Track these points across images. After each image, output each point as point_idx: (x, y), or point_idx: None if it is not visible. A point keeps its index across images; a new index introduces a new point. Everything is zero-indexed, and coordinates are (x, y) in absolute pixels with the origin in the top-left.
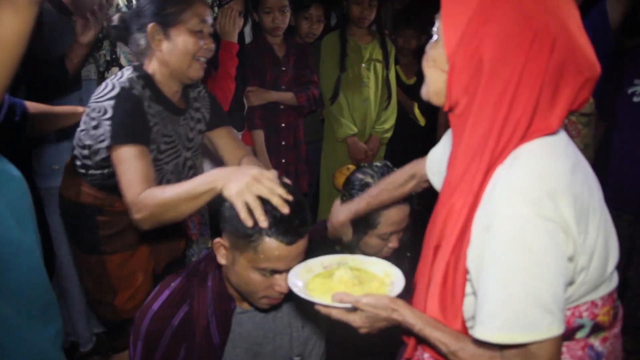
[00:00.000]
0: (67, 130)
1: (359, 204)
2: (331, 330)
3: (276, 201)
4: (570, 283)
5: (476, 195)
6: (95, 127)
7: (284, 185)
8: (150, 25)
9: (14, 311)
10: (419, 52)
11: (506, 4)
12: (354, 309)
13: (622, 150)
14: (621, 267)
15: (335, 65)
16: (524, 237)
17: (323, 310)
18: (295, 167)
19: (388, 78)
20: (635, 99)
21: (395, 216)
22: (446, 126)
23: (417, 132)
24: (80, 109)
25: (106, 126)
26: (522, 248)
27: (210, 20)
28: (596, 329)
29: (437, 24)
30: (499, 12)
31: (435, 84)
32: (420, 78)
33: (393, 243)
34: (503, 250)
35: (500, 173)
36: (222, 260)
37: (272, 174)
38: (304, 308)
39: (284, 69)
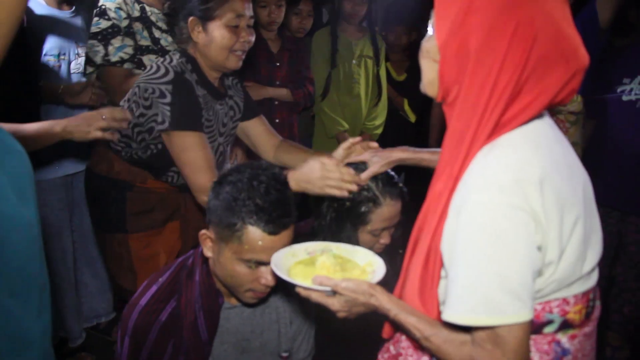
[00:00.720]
0: None
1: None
2: (320, 322)
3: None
4: (540, 274)
5: (455, 179)
6: (148, 107)
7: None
8: (190, 19)
9: (8, 292)
10: (410, 49)
11: None
12: (334, 293)
13: (611, 148)
14: (608, 264)
15: (325, 61)
16: (493, 223)
17: (303, 292)
18: None
19: (378, 75)
20: (625, 98)
21: (387, 212)
22: (438, 127)
23: (407, 129)
24: (57, 127)
25: (164, 109)
26: (491, 234)
27: (248, 13)
28: (565, 325)
29: (432, 16)
30: (485, 2)
31: (428, 74)
32: (410, 74)
33: (385, 239)
34: (472, 235)
35: (478, 159)
36: (208, 252)
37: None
38: (292, 303)
39: (278, 64)
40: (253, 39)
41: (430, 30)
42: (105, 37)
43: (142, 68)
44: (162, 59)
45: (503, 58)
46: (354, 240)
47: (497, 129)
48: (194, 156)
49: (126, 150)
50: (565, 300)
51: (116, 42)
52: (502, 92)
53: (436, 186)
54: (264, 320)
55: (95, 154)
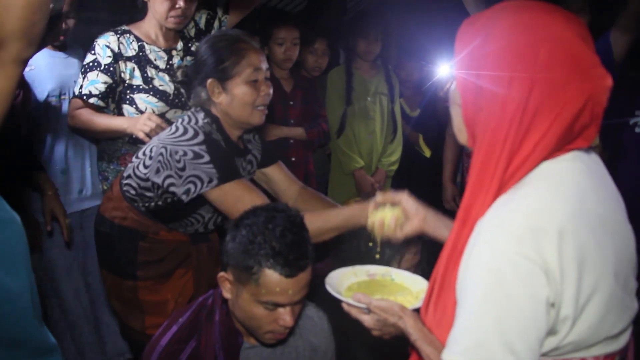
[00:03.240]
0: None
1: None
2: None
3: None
4: (554, 332)
5: (475, 219)
6: (182, 169)
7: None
8: (209, 81)
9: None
10: (422, 85)
11: (504, 20)
12: (370, 311)
13: (626, 180)
14: None
15: (341, 98)
16: (499, 271)
17: (346, 308)
18: None
19: (393, 111)
20: (638, 130)
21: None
22: (453, 162)
23: (422, 164)
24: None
25: (206, 168)
26: (495, 281)
27: (265, 66)
28: None
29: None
30: (498, 30)
31: (456, 120)
32: (423, 110)
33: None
34: (478, 279)
35: (500, 200)
36: (227, 294)
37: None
38: (311, 342)
39: (291, 103)
40: (272, 91)
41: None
42: (85, 70)
43: (134, 106)
44: (186, 120)
45: (508, 84)
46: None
47: (514, 164)
48: (250, 200)
49: (143, 202)
50: None
51: (91, 75)
52: (511, 121)
53: (460, 223)
54: None
55: (109, 200)
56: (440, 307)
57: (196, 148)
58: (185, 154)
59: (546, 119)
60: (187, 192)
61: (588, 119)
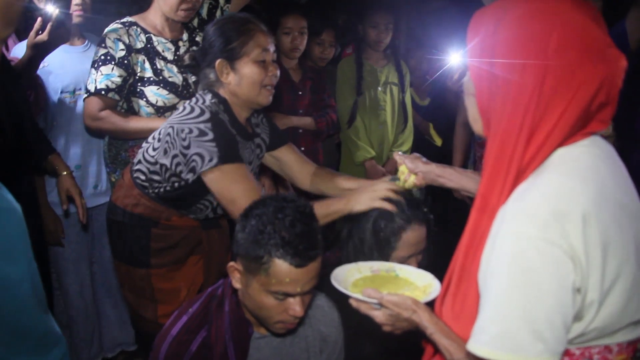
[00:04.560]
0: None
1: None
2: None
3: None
4: (579, 318)
5: (495, 206)
6: (187, 147)
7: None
8: (217, 62)
9: (4, 346)
10: (432, 74)
11: (516, 9)
12: (381, 307)
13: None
14: None
15: (351, 89)
16: (525, 258)
17: (354, 304)
18: None
19: (404, 101)
20: None
21: (413, 238)
22: (462, 149)
23: (433, 153)
24: None
25: (209, 146)
26: (521, 268)
27: (272, 48)
28: None
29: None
30: (509, 18)
31: (471, 110)
32: (433, 99)
33: (412, 265)
34: (502, 266)
35: (521, 187)
36: (237, 284)
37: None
38: (321, 331)
39: (300, 93)
40: (279, 72)
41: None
42: (98, 64)
43: (144, 99)
44: (194, 100)
45: (522, 71)
46: None
47: (531, 150)
48: (245, 187)
49: (153, 187)
50: (607, 348)
51: (105, 69)
52: (527, 107)
53: (479, 211)
54: (293, 350)
55: (120, 188)
56: (459, 298)
57: (202, 125)
58: (190, 131)
59: (561, 103)
60: (193, 170)
61: (604, 100)
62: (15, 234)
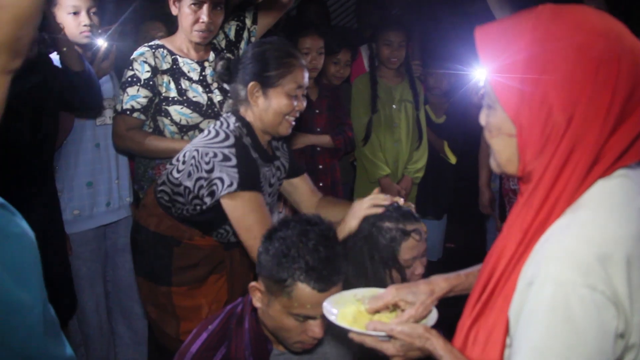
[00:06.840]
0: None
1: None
2: None
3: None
4: None
5: (527, 245)
6: (210, 171)
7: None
8: (251, 83)
9: None
10: (449, 91)
11: (559, 41)
12: (388, 338)
13: None
14: None
15: (366, 106)
16: (567, 305)
17: (357, 338)
18: None
19: (418, 118)
20: None
21: (412, 241)
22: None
23: (447, 170)
24: None
25: (231, 172)
26: (563, 317)
27: (306, 83)
28: None
29: (487, 89)
30: (554, 54)
31: (506, 152)
32: (449, 116)
33: (418, 270)
34: (543, 314)
35: (558, 225)
36: (257, 303)
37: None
38: (339, 349)
39: (317, 111)
40: (304, 107)
41: (487, 104)
42: (125, 86)
43: (169, 118)
44: (218, 124)
45: (587, 101)
46: (387, 279)
47: (585, 184)
48: (260, 216)
49: (176, 208)
50: None
51: (131, 90)
52: (602, 128)
53: (506, 247)
54: None
55: (144, 208)
56: (484, 326)
57: (226, 150)
58: (215, 155)
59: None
60: (212, 194)
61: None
62: (28, 260)
